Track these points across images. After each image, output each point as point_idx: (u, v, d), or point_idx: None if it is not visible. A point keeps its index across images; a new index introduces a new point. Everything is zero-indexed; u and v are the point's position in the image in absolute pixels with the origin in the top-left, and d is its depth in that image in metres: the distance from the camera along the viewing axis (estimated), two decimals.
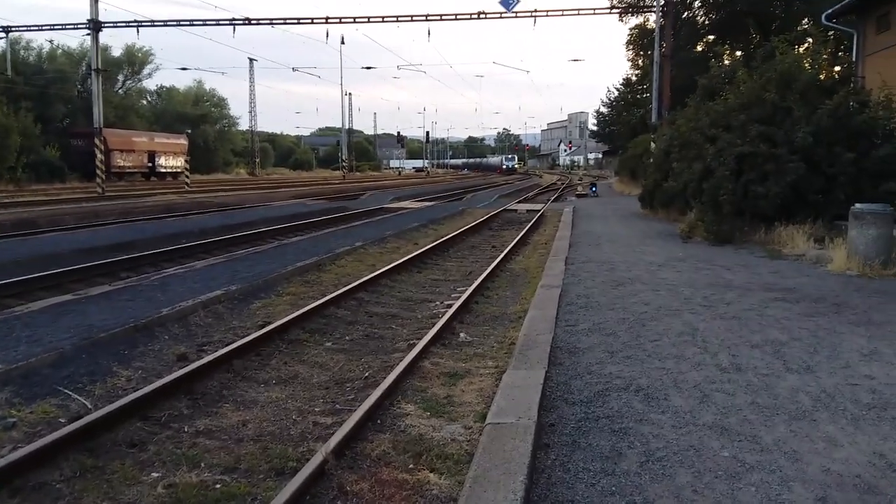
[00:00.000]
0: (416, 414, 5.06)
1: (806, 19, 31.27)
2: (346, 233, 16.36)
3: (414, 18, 31.91)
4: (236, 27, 32.65)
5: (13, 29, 37.64)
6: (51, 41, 52.77)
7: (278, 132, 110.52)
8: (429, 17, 31.62)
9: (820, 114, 13.24)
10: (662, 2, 28.66)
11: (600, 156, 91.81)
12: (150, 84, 64.37)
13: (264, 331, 6.98)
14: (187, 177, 40.00)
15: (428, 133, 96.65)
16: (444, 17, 31.79)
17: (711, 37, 36.97)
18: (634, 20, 39.69)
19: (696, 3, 37.68)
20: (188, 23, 33.03)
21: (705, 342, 6.21)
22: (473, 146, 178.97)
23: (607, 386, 5.06)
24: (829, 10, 18.84)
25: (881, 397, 4.77)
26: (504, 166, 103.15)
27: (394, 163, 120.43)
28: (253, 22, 33.07)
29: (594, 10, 31.45)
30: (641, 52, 42.46)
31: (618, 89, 54.50)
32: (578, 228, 16.90)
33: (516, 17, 30.46)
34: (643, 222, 18.59)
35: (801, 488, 3.50)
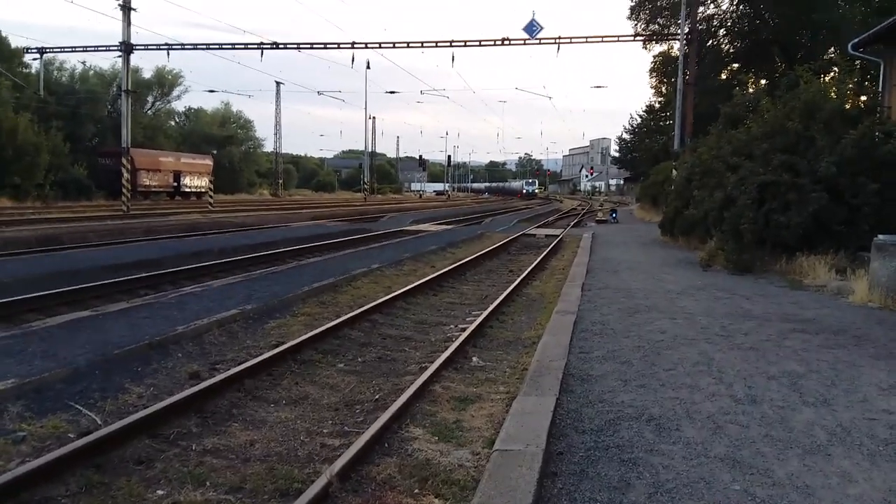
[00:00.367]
0: (425, 438, 5.02)
1: (832, 48, 31.13)
2: (364, 254, 16.42)
3: (438, 44, 32.27)
4: (264, 51, 33.29)
5: (47, 50, 38.75)
6: (83, 62, 53.85)
7: (302, 154, 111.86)
8: (453, 43, 31.96)
9: (844, 143, 13.12)
10: (687, 30, 28.70)
11: (622, 182, 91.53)
12: (179, 105, 65.48)
13: (277, 350, 7.00)
14: (211, 197, 40.51)
15: (450, 157, 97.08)
16: (468, 44, 32.11)
17: (736, 65, 36.89)
18: (658, 48, 39.74)
19: (721, 31, 37.70)
20: (217, 46, 33.72)
21: (721, 372, 6.11)
22: (494, 170, 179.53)
23: (619, 415, 4.99)
24: (856, 40, 18.72)
25: None
26: (524, 191, 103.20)
27: (415, 186, 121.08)
28: (280, 46, 33.66)
29: (618, 37, 31.65)
30: (665, 80, 42.44)
31: (640, 116, 54.47)
32: (597, 254, 16.82)
33: (540, 43, 30.71)
34: (663, 250, 18.46)
35: None
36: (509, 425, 4.65)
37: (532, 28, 30.01)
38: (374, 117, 73.87)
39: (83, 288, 10.29)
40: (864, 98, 17.77)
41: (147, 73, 55.30)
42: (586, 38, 30.77)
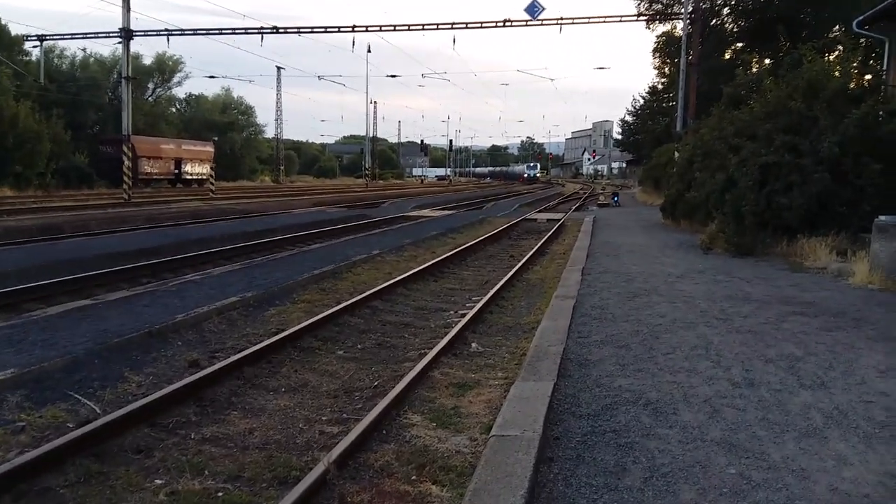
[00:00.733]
0: (423, 425, 5.03)
1: (837, 26, 30.81)
2: (364, 241, 16.42)
3: (439, 27, 32.08)
4: (264, 36, 33.16)
5: (47, 38, 38.64)
6: (84, 49, 53.60)
7: (303, 140, 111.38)
8: (454, 26, 31.77)
9: (847, 123, 12.99)
10: (690, 9, 28.46)
11: (624, 165, 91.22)
12: (180, 92, 65.18)
13: (276, 338, 7.01)
14: (212, 184, 40.47)
15: (451, 141, 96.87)
16: (469, 26, 31.92)
17: (740, 44, 36.58)
18: (662, 28, 39.40)
19: (725, 10, 37.35)
20: (217, 31, 33.60)
21: (719, 356, 6.11)
22: (497, 154, 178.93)
23: (616, 399, 5.00)
24: (861, 17, 18.51)
25: (895, 415, 4.65)
26: (525, 175, 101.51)
27: (417, 171, 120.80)
28: (281, 31, 33.54)
29: (621, 17, 31.44)
30: (668, 60, 42.13)
31: (643, 98, 54.09)
32: (598, 238, 16.79)
33: (542, 24, 30.53)
34: (664, 233, 18.41)
35: None
36: (507, 411, 4.65)
37: (534, 9, 29.81)
38: (375, 102, 73.95)
39: (83, 277, 10.32)
40: (868, 77, 17.61)
41: (147, 60, 55.12)
42: (588, 18, 30.61)
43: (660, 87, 49.05)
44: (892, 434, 4.34)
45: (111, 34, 33.11)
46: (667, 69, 43.89)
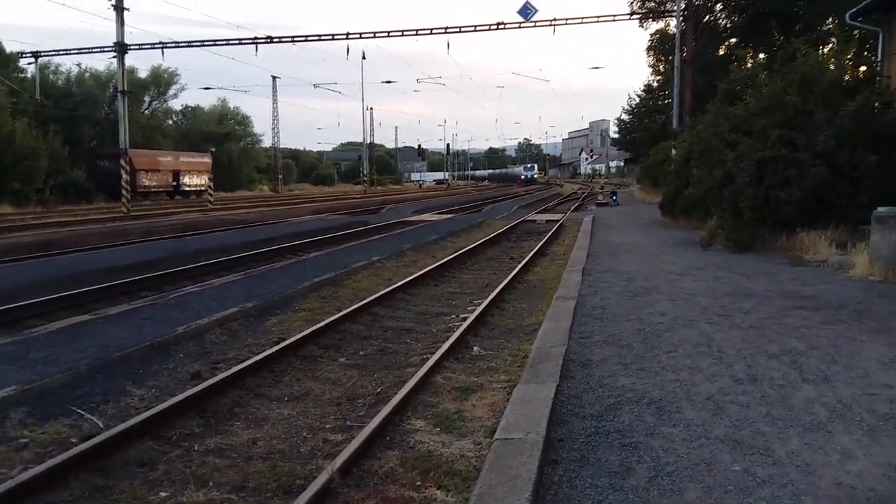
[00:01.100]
0: (426, 430, 5.02)
1: (830, 19, 30.85)
2: (364, 247, 16.41)
3: (433, 31, 32.08)
4: (259, 46, 33.17)
5: (42, 54, 38.63)
6: (79, 64, 53.65)
7: (301, 148, 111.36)
8: (448, 30, 31.78)
9: (842, 115, 13.01)
10: (683, 6, 28.49)
11: (622, 164, 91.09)
12: (176, 104, 65.32)
13: (278, 347, 7.00)
14: (210, 195, 40.49)
15: (448, 145, 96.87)
16: (463, 30, 31.92)
17: (733, 40, 36.61)
18: (655, 25, 39.46)
19: (718, 6, 37.40)
20: (212, 43, 33.64)
21: (721, 353, 6.10)
22: (494, 157, 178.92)
23: (619, 399, 4.99)
24: (854, 9, 18.54)
25: None
26: (523, 176, 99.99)
27: (415, 176, 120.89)
28: (275, 40, 33.56)
29: (614, 16, 31.44)
30: (662, 58, 42.16)
31: (639, 96, 54.11)
32: (597, 238, 16.79)
33: (535, 26, 30.52)
34: (663, 230, 18.42)
35: (813, 503, 3.40)
36: (510, 414, 4.65)
37: (527, 11, 29.83)
38: (371, 108, 74.05)
39: (84, 292, 10.30)
40: (862, 69, 17.64)
41: (143, 73, 55.25)
42: (582, 18, 30.61)
43: (655, 84, 49.09)
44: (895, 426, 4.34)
45: (106, 49, 33.11)
46: (661, 67, 43.93)
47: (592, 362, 5.94)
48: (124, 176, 31.68)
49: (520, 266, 12.63)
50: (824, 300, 8.29)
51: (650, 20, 37.75)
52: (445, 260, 13.65)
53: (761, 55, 32.68)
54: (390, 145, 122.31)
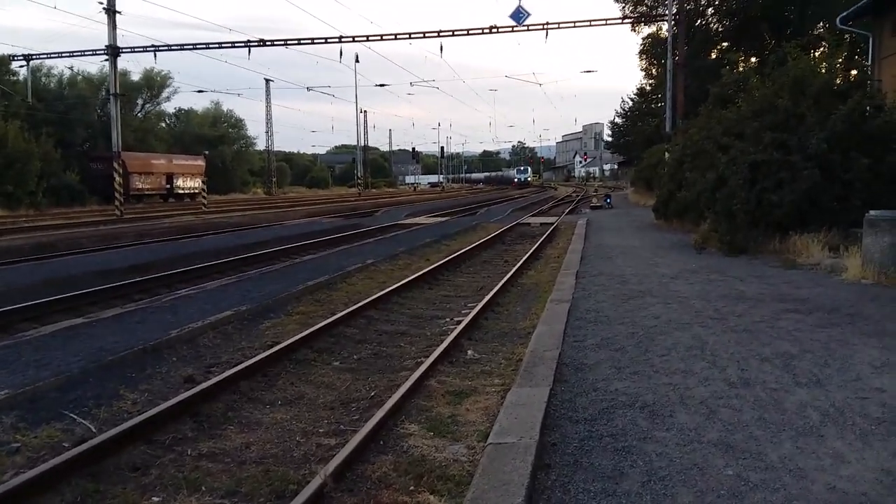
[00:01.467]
0: (420, 434, 5.02)
1: (821, 23, 31.04)
2: (358, 250, 16.40)
3: (426, 35, 32.07)
4: (251, 49, 33.10)
5: (34, 57, 38.51)
6: (71, 67, 54.11)
7: (295, 151, 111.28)
8: (441, 34, 31.78)
9: (834, 119, 13.07)
10: (675, 10, 28.59)
11: (616, 167, 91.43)
12: (169, 107, 65.18)
13: (272, 351, 6.99)
14: (204, 198, 40.41)
15: (443, 148, 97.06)
16: (456, 33, 31.92)
17: (725, 44, 36.82)
18: (647, 29, 39.69)
19: (710, 10, 37.59)
20: (204, 46, 33.52)
21: (714, 356, 6.12)
22: (488, 160, 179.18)
23: (612, 403, 5.00)
24: (844, 13, 18.66)
25: (891, 411, 4.66)
26: (516, 179, 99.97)
27: (409, 178, 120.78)
28: (268, 43, 33.49)
29: (606, 20, 31.49)
30: (655, 62, 42.39)
31: (632, 99, 54.42)
32: (591, 241, 16.82)
33: (528, 30, 30.55)
34: (657, 233, 18.47)
35: None
36: (503, 418, 4.64)
37: (519, 15, 29.86)
38: (365, 111, 73.70)
39: (76, 295, 10.27)
40: (853, 72, 17.74)
41: (135, 76, 55.09)
42: (574, 22, 30.61)
43: (648, 88, 49.34)
44: (888, 430, 4.35)
45: (98, 52, 32.97)
46: (654, 70, 44.18)
47: (586, 366, 5.95)
48: (117, 179, 31.57)
49: (514, 269, 12.64)
50: (817, 303, 8.33)
51: (642, 24, 37.94)
52: (440, 263, 13.64)
53: (753, 59, 32.87)
54: (384, 148, 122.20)
